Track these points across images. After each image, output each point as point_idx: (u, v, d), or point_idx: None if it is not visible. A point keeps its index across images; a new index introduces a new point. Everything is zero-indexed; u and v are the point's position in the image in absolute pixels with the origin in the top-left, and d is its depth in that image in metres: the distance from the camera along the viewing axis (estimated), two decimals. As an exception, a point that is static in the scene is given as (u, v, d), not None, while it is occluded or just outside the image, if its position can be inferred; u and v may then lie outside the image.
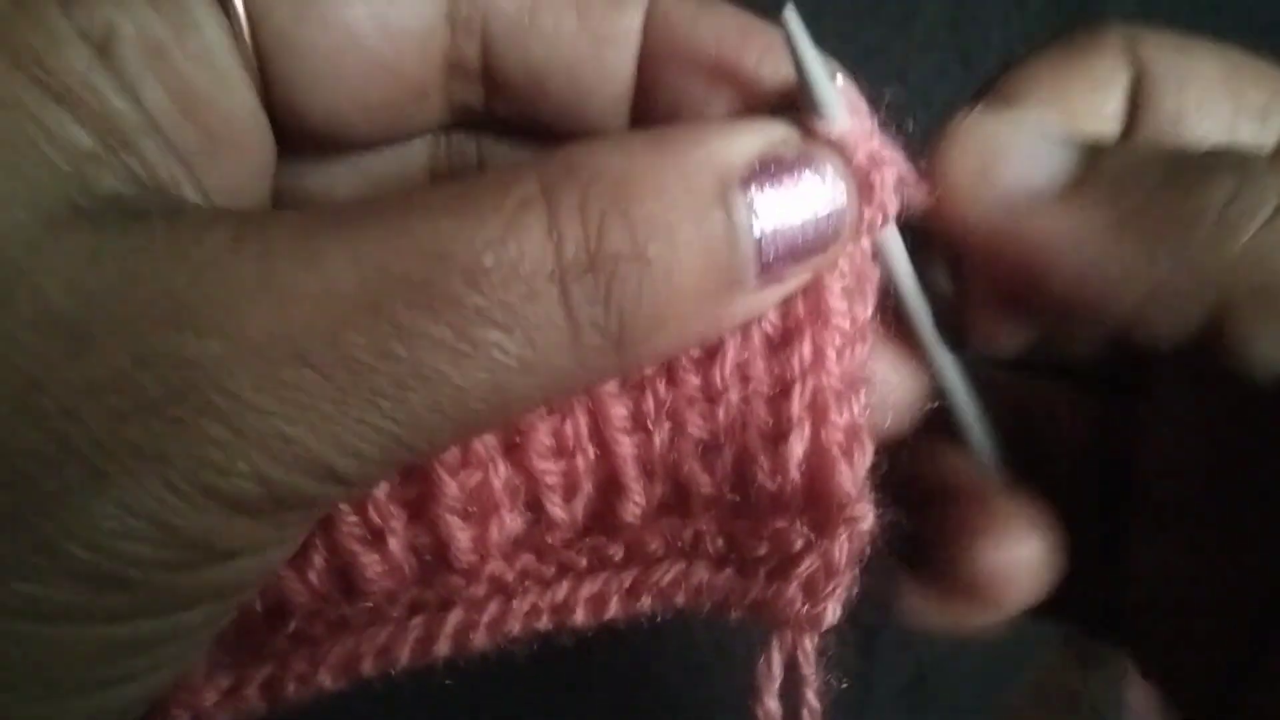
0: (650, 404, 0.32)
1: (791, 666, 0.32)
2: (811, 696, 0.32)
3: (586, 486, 0.33)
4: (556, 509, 0.32)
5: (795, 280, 0.31)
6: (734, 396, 0.32)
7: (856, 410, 0.32)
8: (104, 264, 0.25)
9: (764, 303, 0.31)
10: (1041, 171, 0.31)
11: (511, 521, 0.32)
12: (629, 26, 0.32)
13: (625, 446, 0.32)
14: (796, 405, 0.32)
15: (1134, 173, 0.30)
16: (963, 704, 1.11)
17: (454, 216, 0.26)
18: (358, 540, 0.32)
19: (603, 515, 0.33)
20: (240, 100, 0.31)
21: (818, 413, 0.32)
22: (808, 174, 0.29)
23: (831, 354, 0.32)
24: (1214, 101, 0.33)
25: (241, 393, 0.24)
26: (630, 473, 0.32)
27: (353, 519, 0.31)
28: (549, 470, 0.32)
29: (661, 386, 0.32)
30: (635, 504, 0.33)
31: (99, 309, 0.24)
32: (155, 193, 0.27)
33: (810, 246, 0.30)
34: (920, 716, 1.03)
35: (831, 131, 0.30)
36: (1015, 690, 1.17)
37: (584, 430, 0.32)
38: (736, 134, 0.29)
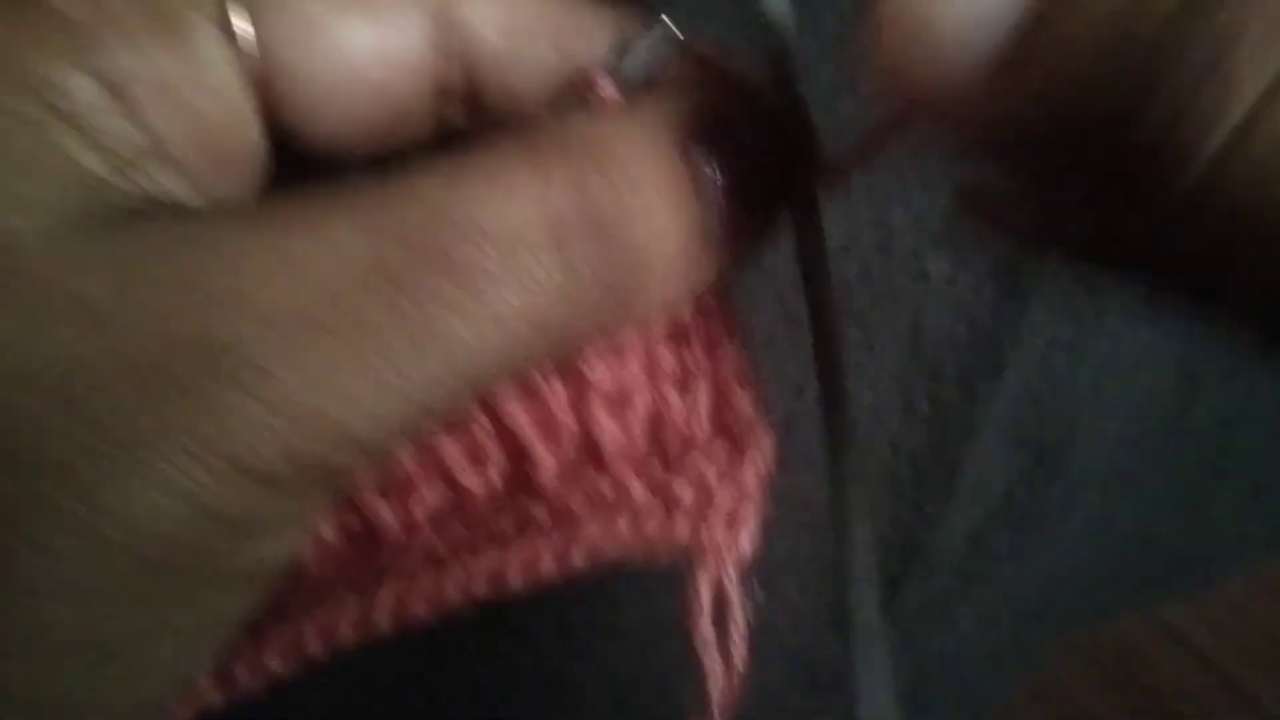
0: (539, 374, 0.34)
1: (719, 596, 0.34)
2: (739, 617, 0.35)
3: (494, 451, 0.34)
4: (468, 477, 0.33)
5: (752, 234, 0.33)
6: (639, 348, 0.34)
7: (741, 345, 0.35)
8: (123, 257, 0.26)
9: (729, 256, 0.33)
10: (985, 30, 0.28)
11: (431, 494, 0.33)
12: (598, 57, 0.35)
13: (519, 415, 0.33)
14: (698, 347, 0.34)
15: (1087, 26, 0.27)
16: (963, 704, 1.11)
17: (449, 184, 0.28)
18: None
19: (519, 479, 0.34)
20: (248, 130, 0.32)
21: (715, 351, 0.35)
22: (752, 127, 0.32)
23: (712, 298, 0.35)
24: None
25: (265, 365, 0.25)
26: (531, 436, 0.34)
27: None
28: (445, 442, 0.33)
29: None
30: (547, 468, 0.34)
31: (124, 297, 0.25)
32: (164, 205, 0.28)
33: (762, 196, 0.32)
34: (920, 716, 1.03)
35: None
36: (1015, 690, 1.17)
37: (475, 407, 0.33)
38: (686, 95, 0.32)
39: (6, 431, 0.24)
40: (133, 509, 0.24)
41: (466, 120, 0.36)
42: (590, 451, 0.35)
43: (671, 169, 0.30)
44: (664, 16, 0.34)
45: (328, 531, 0.33)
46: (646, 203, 0.30)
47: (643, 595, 0.92)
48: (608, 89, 0.34)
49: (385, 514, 0.33)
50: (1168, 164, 0.26)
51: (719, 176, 0.31)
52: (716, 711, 0.36)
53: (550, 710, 0.97)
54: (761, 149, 0.32)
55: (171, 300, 0.26)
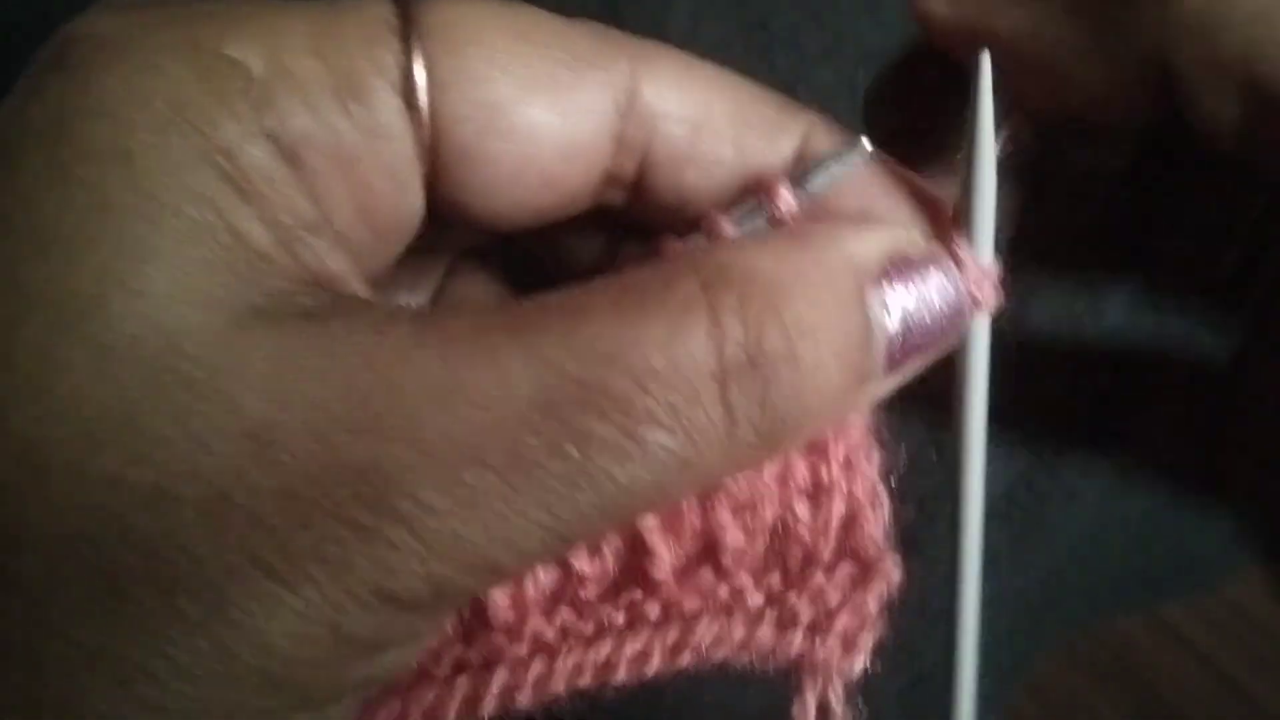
0: None
1: (823, 710, 0.34)
2: None
3: (613, 539, 0.33)
4: (582, 563, 0.32)
5: (912, 373, 0.33)
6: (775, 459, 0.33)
7: (875, 468, 0.34)
8: (288, 367, 0.25)
9: (886, 389, 0.33)
10: None
11: (545, 577, 0.32)
12: (782, 157, 0.33)
13: (648, 519, 0.32)
14: (835, 463, 0.33)
15: None
16: (963, 704, 1.10)
17: (621, 317, 0.27)
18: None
19: (634, 570, 0.33)
20: (413, 204, 0.31)
21: (850, 469, 0.34)
22: (932, 272, 0.31)
23: (854, 418, 0.33)
24: None
25: (423, 497, 0.25)
26: (651, 527, 0.32)
27: None
28: None
29: None
30: (662, 562, 0.33)
31: (287, 415, 0.24)
32: (326, 291, 0.27)
33: (934, 339, 0.32)
34: (920, 717, 1.03)
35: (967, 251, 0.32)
36: (1015, 690, 1.16)
37: None
38: (869, 233, 0.31)
39: (152, 543, 0.23)
40: (271, 632, 0.24)
41: (627, 204, 0.35)
42: (709, 553, 0.33)
43: (848, 319, 0.29)
44: (864, 137, 0.33)
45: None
46: (818, 355, 0.29)
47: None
48: (788, 202, 0.33)
49: (497, 594, 0.31)
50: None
51: (891, 321, 0.30)
52: None
53: (550, 708, 0.97)
54: (942, 297, 0.31)
55: (341, 424, 0.25)
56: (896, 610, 0.34)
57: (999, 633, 1.08)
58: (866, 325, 0.30)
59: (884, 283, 0.30)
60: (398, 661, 0.29)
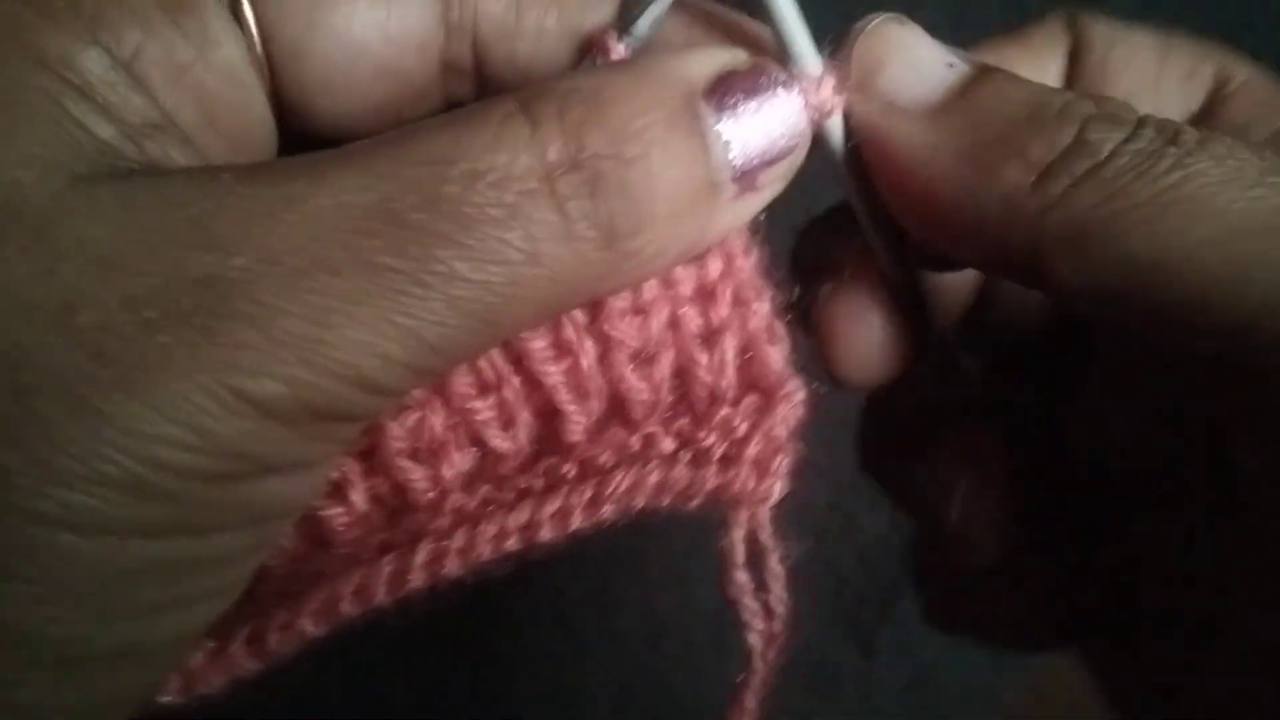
0: (570, 330, 0.34)
1: (753, 540, 0.35)
2: (774, 563, 0.35)
3: (524, 414, 0.34)
4: (498, 440, 0.33)
5: (770, 190, 0.33)
6: (661, 306, 0.34)
7: (768, 303, 0.35)
8: (130, 204, 0.27)
9: (745, 212, 0.33)
10: (923, 84, 0.33)
11: (461, 459, 0.33)
12: (605, 16, 0.35)
13: (553, 376, 0.34)
14: (723, 304, 0.35)
15: (1000, 104, 0.32)
16: (963, 704, 1.11)
17: (446, 132, 0.29)
18: (321, 495, 0.32)
19: (549, 439, 0.34)
20: (257, 109, 0.33)
21: (742, 308, 0.35)
22: (762, 86, 0.32)
23: (740, 258, 0.35)
24: (1141, 61, 0.36)
25: (270, 300, 0.26)
26: (564, 397, 0.34)
27: None
28: (477, 408, 0.33)
29: (578, 312, 0.34)
30: (575, 424, 0.34)
31: (130, 238, 0.26)
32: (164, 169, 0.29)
33: (774, 153, 0.32)
34: (920, 716, 1.03)
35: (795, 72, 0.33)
36: (1015, 690, 1.17)
37: (500, 363, 0.33)
38: (693, 54, 0.32)
39: (9, 359, 0.25)
40: (135, 433, 0.25)
41: (476, 98, 0.36)
42: (617, 409, 0.35)
43: (673, 122, 0.31)
44: None
45: (357, 497, 0.33)
46: (646, 154, 0.30)
47: (642, 597, 0.92)
48: (618, 51, 0.34)
49: (416, 475, 0.33)
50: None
51: (728, 132, 0.31)
52: (759, 658, 0.36)
53: (550, 708, 0.97)
54: (771, 106, 0.32)
55: (179, 243, 0.26)
56: (809, 431, 0.35)
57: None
58: (700, 133, 0.31)
59: (715, 98, 0.31)
60: (284, 495, 0.29)
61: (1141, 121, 0.30)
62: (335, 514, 0.32)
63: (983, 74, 0.33)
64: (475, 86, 0.36)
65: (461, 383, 0.33)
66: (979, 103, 0.32)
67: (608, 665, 0.92)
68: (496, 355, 0.33)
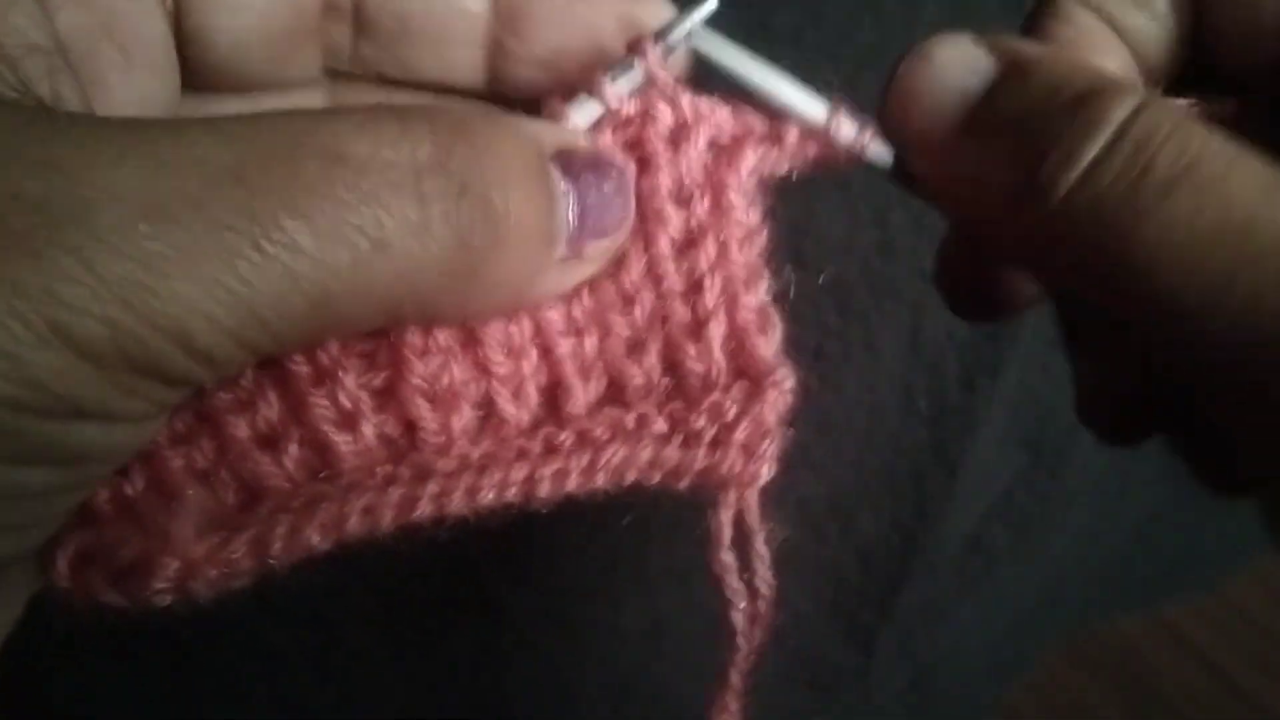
0: (578, 311, 0.37)
1: (740, 521, 0.37)
2: (760, 544, 0.37)
3: (530, 390, 0.37)
4: (507, 404, 0.36)
5: (591, 265, 0.36)
6: (648, 297, 0.38)
7: (762, 292, 0.38)
8: None
9: (568, 279, 0.35)
10: (948, 109, 0.35)
11: (468, 416, 0.35)
12: None
13: (563, 348, 0.37)
14: (710, 295, 0.37)
15: (1019, 116, 0.33)
16: (963, 704, 1.11)
17: (315, 115, 0.30)
18: (330, 422, 0.34)
19: (549, 415, 0.37)
20: (156, 25, 0.34)
21: (730, 299, 0.37)
22: (603, 169, 0.35)
23: (735, 247, 0.38)
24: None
25: (103, 237, 0.25)
26: (569, 370, 0.37)
27: (323, 402, 0.34)
28: (500, 363, 0.36)
29: (585, 296, 0.37)
30: (577, 399, 0.37)
31: None
32: (33, 99, 0.29)
33: (603, 228, 0.35)
34: (920, 716, 1.03)
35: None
36: (1015, 690, 1.17)
37: (528, 333, 0.36)
38: (547, 125, 0.35)
39: None
40: None
41: (353, 48, 0.39)
42: (617, 389, 0.38)
43: (529, 168, 0.32)
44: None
45: (367, 429, 0.34)
46: (505, 175, 0.31)
47: (643, 597, 0.92)
48: (654, 54, 0.36)
49: (427, 416, 0.34)
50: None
51: (569, 197, 0.34)
52: (744, 639, 0.37)
53: (550, 708, 0.97)
54: (608, 188, 0.35)
55: (24, 161, 0.26)
56: (797, 424, 0.37)
57: (999, 631, 1.08)
58: (550, 187, 0.33)
59: (562, 164, 0.33)
60: (97, 444, 0.29)
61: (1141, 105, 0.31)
62: (343, 440, 0.34)
63: (1004, 75, 0.34)
64: (352, 34, 0.38)
65: (494, 339, 0.35)
66: (997, 116, 0.34)
67: (608, 665, 0.92)
68: (524, 323, 0.36)
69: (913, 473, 0.84)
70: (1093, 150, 0.31)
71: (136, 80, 0.34)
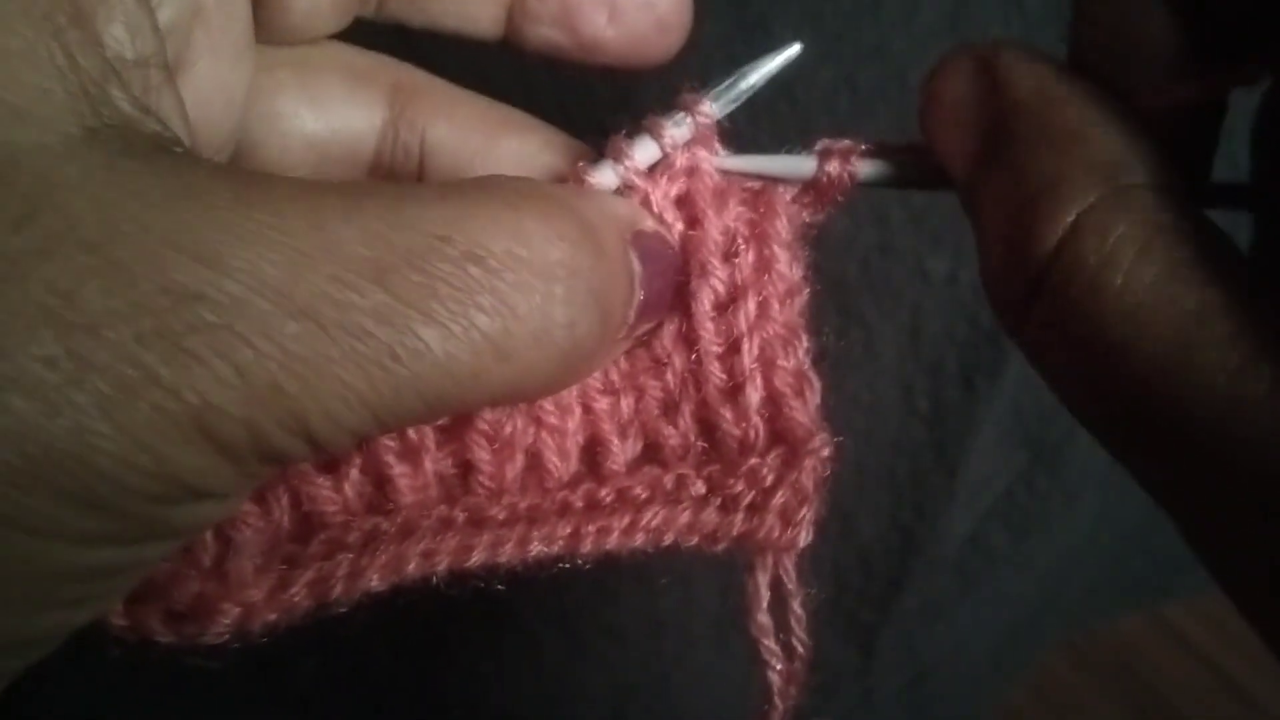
0: (615, 374, 0.38)
1: (775, 586, 0.37)
2: (797, 607, 0.37)
3: (572, 445, 0.37)
4: (553, 457, 0.37)
5: (628, 342, 0.36)
6: (678, 362, 0.38)
7: (801, 354, 0.38)
8: (123, 189, 0.26)
9: (617, 350, 0.36)
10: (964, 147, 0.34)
11: (519, 465, 0.36)
12: None
13: (601, 405, 0.37)
14: (747, 358, 0.37)
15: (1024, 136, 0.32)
16: (963, 704, 1.11)
17: (450, 205, 0.29)
18: (394, 454, 0.35)
19: (589, 472, 0.38)
20: (243, 18, 0.35)
21: (766, 362, 0.37)
22: (665, 250, 0.36)
23: (775, 305, 0.37)
24: None
25: (250, 339, 0.25)
26: (608, 428, 0.37)
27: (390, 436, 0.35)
28: (552, 414, 0.36)
29: (622, 360, 0.38)
30: (616, 456, 0.37)
31: (124, 235, 0.25)
32: (156, 124, 0.28)
33: (653, 308, 0.35)
34: (920, 716, 1.03)
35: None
36: (1015, 690, 1.17)
37: (574, 390, 0.37)
38: (625, 204, 0.36)
39: None
40: (95, 446, 0.24)
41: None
42: (654, 450, 0.38)
43: (625, 259, 0.34)
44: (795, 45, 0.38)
45: (428, 464, 0.35)
46: (619, 280, 0.33)
47: (644, 596, 0.92)
48: (710, 110, 0.37)
49: (486, 460, 0.35)
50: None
51: (639, 284, 0.35)
52: (780, 698, 0.38)
53: (550, 708, 0.97)
54: (665, 268, 0.36)
55: (172, 249, 0.25)
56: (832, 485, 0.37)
57: (999, 631, 1.08)
58: (631, 276, 0.34)
59: (636, 248, 0.34)
60: (209, 516, 0.29)
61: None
62: (403, 474, 0.35)
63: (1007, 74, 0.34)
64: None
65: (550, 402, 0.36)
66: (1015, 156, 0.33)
67: (608, 665, 0.92)
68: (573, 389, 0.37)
69: (913, 473, 0.84)
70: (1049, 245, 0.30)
71: (221, 63, 0.34)
